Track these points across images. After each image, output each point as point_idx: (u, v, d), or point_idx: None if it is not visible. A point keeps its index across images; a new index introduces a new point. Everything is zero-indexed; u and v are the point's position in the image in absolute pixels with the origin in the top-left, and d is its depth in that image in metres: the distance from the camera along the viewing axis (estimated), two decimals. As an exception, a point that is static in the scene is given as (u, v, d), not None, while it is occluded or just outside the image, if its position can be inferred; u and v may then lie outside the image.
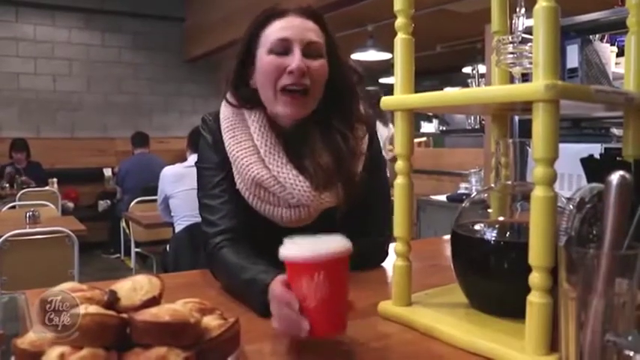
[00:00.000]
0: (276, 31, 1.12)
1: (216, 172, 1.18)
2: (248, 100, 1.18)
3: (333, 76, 1.16)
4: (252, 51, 1.16)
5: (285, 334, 0.80)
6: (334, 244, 0.74)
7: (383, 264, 1.26)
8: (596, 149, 2.30)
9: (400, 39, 0.88)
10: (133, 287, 0.69)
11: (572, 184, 2.25)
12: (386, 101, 0.89)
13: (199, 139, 1.25)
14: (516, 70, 0.88)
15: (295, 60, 1.08)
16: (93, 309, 0.60)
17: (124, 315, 0.63)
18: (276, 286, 0.81)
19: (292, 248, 0.75)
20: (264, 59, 1.12)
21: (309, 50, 1.11)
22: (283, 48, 1.10)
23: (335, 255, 0.73)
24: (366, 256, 1.22)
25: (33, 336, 0.62)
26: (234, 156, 1.14)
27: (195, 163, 1.25)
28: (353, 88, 1.20)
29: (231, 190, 1.16)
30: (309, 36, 1.12)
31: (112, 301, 0.66)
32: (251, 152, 1.14)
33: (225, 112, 1.20)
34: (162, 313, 0.61)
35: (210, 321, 0.68)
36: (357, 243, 1.12)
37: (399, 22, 0.88)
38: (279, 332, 0.80)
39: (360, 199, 1.15)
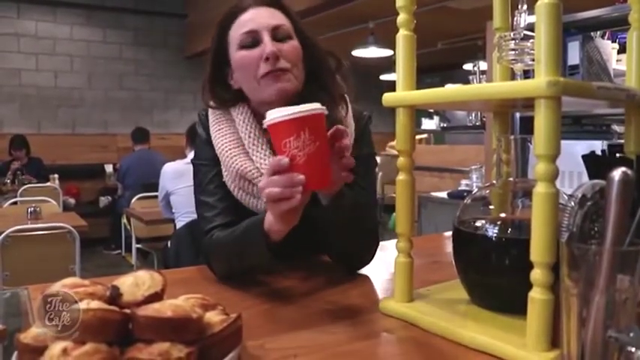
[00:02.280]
0: (240, 26, 1.13)
1: (210, 167, 1.19)
2: (230, 100, 1.19)
3: (307, 58, 1.17)
4: (224, 53, 1.17)
5: (280, 197, 0.85)
6: (313, 105, 0.83)
7: (383, 260, 1.25)
8: (597, 146, 2.30)
9: (402, 35, 0.88)
10: (135, 283, 0.69)
11: (573, 181, 2.25)
12: (388, 98, 0.89)
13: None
14: (518, 67, 0.88)
15: (267, 46, 1.09)
16: (95, 304, 0.61)
17: (127, 310, 0.63)
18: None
19: (277, 113, 0.82)
20: (237, 57, 1.14)
21: (277, 35, 1.12)
22: (252, 40, 1.12)
23: (316, 111, 0.82)
24: (365, 240, 1.19)
25: (36, 331, 0.62)
26: (220, 148, 1.16)
27: (192, 159, 1.26)
28: (329, 66, 1.21)
29: (225, 186, 1.16)
30: (274, 21, 1.13)
31: (114, 297, 0.66)
32: (235, 145, 1.15)
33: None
34: (165, 308, 0.62)
35: (213, 317, 0.69)
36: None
37: (401, 18, 0.88)
38: (274, 200, 0.86)
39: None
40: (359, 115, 1.24)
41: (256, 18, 1.13)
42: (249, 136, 1.14)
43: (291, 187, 0.84)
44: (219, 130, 1.18)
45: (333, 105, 1.16)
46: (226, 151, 1.14)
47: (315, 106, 0.83)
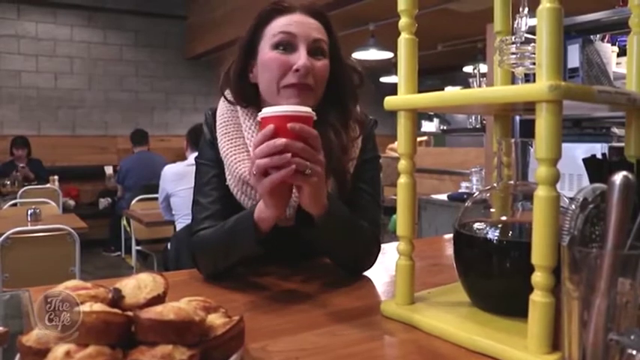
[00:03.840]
0: (281, 25, 1.11)
1: (210, 168, 1.19)
2: (246, 96, 1.18)
3: (334, 76, 1.15)
4: (254, 45, 1.15)
5: (270, 165, 0.88)
6: (302, 107, 0.91)
7: (384, 263, 1.25)
8: (597, 149, 2.30)
9: (404, 39, 0.88)
10: (138, 285, 0.69)
11: (573, 183, 2.25)
12: (390, 101, 0.90)
13: (198, 137, 1.26)
14: (519, 71, 0.88)
15: (302, 58, 1.07)
16: (98, 307, 0.61)
17: (129, 313, 0.63)
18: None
19: (272, 108, 0.90)
20: (267, 54, 1.11)
21: (313, 48, 1.10)
22: (288, 43, 1.09)
23: (306, 113, 0.91)
24: (365, 247, 1.19)
25: (38, 333, 0.62)
26: (225, 152, 1.16)
27: (195, 158, 1.26)
28: (352, 89, 1.20)
29: (222, 188, 1.17)
30: (315, 34, 1.11)
31: (116, 299, 0.67)
32: (241, 150, 1.15)
33: (222, 108, 1.22)
34: (167, 311, 0.62)
35: (215, 319, 0.69)
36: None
37: (403, 21, 0.88)
38: (264, 173, 0.90)
39: (346, 202, 1.13)
40: (365, 120, 1.24)
41: (300, 24, 1.11)
42: None
43: (277, 153, 0.87)
44: (226, 133, 1.17)
45: (345, 129, 1.16)
46: (231, 156, 1.14)
47: (305, 109, 0.91)
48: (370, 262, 1.19)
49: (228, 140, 1.16)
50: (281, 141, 0.86)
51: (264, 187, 0.91)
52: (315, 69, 1.10)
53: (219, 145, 1.17)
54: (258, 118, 0.91)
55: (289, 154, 0.87)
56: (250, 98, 1.18)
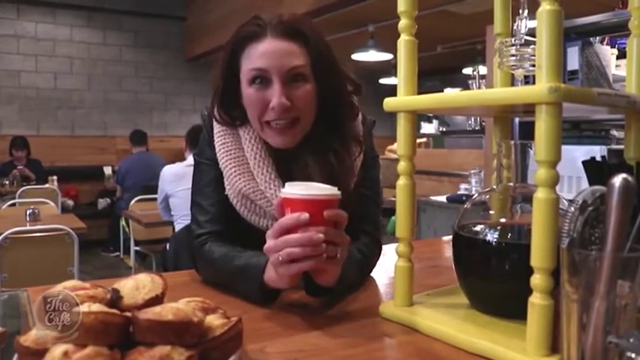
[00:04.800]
0: (253, 59, 1.05)
1: (210, 168, 1.17)
2: (240, 118, 1.14)
3: (324, 94, 1.10)
4: (236, 72, 1.10)
5: (303, 256, 0.84)
6: (330, 189, 0.87)
7: (383, 264, 1.25)
8: (596, 151, 2.31)
9: (403, 40, 0.88)
10: (136, 286, 0.69)
11: (572, 186, 2.26)
12: (389, 102, 0.90)
13: (197, 137, 1.24)
14: (519, 73, 0.88)
15: (275, 96, 1.02)
16: (96, 307, 0.61)
17: (127, 313, 0.63)
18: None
19: (297, 190, 0.85)
20: (246, 91, 1.07)
21: (290, 77, 1.04)
22: (263, 78, 1.04)
23: (335, 196, 0.86)
24: (371, 254, 1.19)
25: (36, 333, 0.62)
26: (224, 164, 1.13)
27: (194, 155, 1.24)
28: (347, 104, 1.14)
29: (221, 190, 1.15)
30: (289, 62, 1.03)
31: (114, 300, 0.67)
32: (240, 162, 1.12)
33: None
34: (166, 311, 0.62)
35: (213, 320, 0.69)
36: (360, 244, 1.13)
37: (403, 23, 0.88)
38: (292, 261, 0.85)
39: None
40: (363, 121, 1.21)
41: (270, 55, 1.03)
42: (255, 157, 1.11)
43: (312, 245, 0.83)
44: (223, 144, 1.14)
45: (344, 149, 1.11)
46: (230, 169, 1.11)
47: (330, 191, 0.86)
48: (376, 261, 1.20)
49: (227, 151, 1.13)
50: (319, 235, 0.83)
51: (288, 272, 0.88)
52: (295, 99, 1.04)
53: (218, 156, 1.14)
54: (281, 196, 0.86)
55: (324, 244, 0.84)
56: (245, 118, 1.13)
